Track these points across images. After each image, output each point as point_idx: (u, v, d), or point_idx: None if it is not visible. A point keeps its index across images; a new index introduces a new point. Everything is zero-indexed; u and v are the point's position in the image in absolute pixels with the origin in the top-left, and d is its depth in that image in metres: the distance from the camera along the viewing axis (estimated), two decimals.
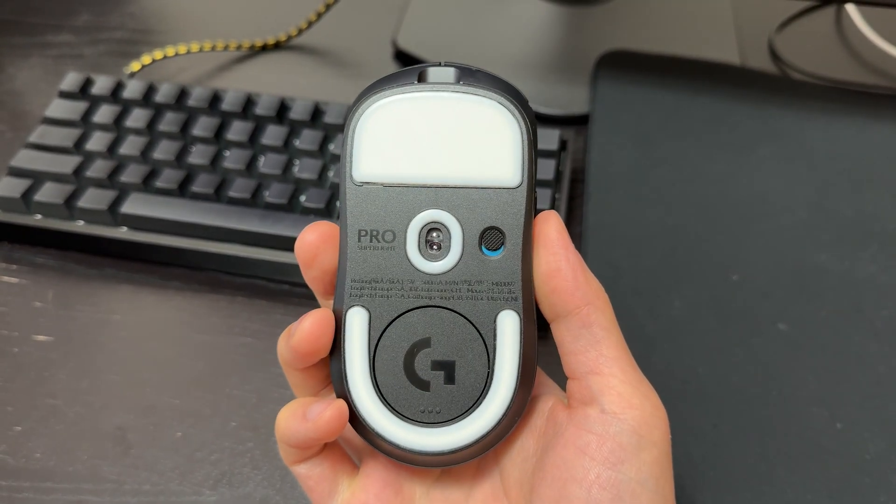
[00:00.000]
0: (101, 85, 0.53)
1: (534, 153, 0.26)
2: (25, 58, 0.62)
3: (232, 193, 0.47)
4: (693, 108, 0.56)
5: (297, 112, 0.51)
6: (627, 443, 0.24)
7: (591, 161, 0.52)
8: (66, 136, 0.50)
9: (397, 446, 0.25)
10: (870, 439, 0.39)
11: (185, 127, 0.51)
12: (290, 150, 0.50)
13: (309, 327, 0.25)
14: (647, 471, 0.24)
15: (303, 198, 0.47)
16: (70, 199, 0.48)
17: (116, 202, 0.47)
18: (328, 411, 0.25)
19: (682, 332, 0.44)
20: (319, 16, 0.62)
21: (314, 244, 0.26)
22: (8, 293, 0.47)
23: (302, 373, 0.28)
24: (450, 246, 0.25)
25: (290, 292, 0.47)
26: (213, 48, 0.60)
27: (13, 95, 0.59)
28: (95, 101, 0.53)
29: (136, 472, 0.39)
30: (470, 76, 0.26)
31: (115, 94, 0.53)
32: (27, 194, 0.48)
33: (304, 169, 0.48)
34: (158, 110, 0.52)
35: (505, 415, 0.26)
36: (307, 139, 0.50)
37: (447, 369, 0.26)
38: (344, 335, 0.26)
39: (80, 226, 0.47)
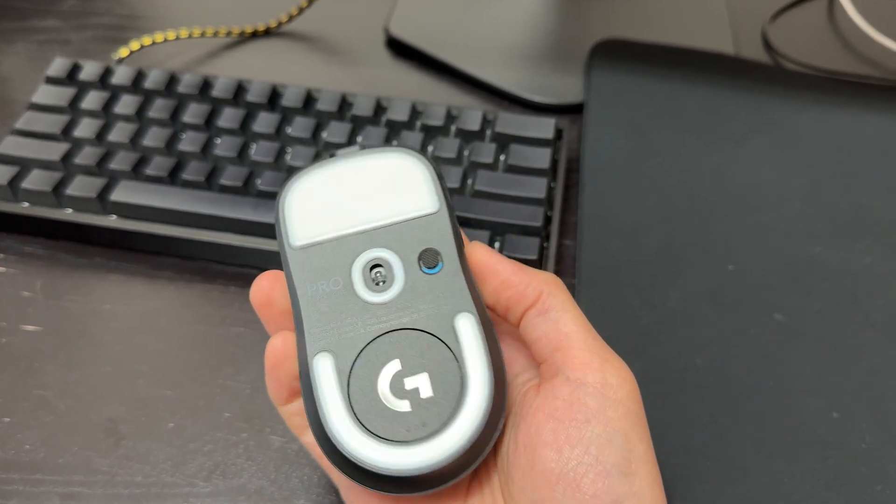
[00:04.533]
0: (89, 71, 0.52)
1: (443, 182, 0.29)
2: (10, 43, 0.61)
3: (223, 181, 0.46)
4: (687, 98, 0.56)
5: (289, 99, 0.51)
6: (592, 403, 0.25)
7: (586, 150, 0.52)
8: (53, 123, 0.49)
9: (400, 475, 0.25)
10: (866, 429, 0.39)
11: (175, 114, 0.50)
12: (283, 137, 0.49)
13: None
14: (615, 426, 0.25)
15: None
16: (58, 187, 0.47)
17: (105, 190, 0.46)
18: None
19: (679, 322, 0.44)
20: (310, 2, 0.61)
21: (269, 288, 0.29)
22: None
23: (287, 406, 0.30)
24: (393, 275, 0.27)
25: None
26: (203, 34, 0.59)
27: None
28: (83, 87, 0.52)
29: (128, 464, 0.39)
30: (371, 145, 0.30)
31: (103, 80, 0.52)
32: (14, 181, 0.47)
33: (296, 156, 0.48)
34: (148, 97, 0.51)
35: (491, 403, 0.26)
36: (300, 126, 0.49)
37: (421, 383, 0.26)
38: (315, 382, 0.26)
39: (68, 214, 0.47)
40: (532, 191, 0.46)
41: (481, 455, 0.26)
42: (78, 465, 0.39)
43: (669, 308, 0.45)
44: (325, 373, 0.26)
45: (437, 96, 0.58)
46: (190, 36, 0.59)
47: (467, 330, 0.26)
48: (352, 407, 0.26)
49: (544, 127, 0.49)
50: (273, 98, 0.51)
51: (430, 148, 0.48)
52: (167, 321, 0.44)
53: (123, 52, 0.57)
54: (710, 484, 0.38)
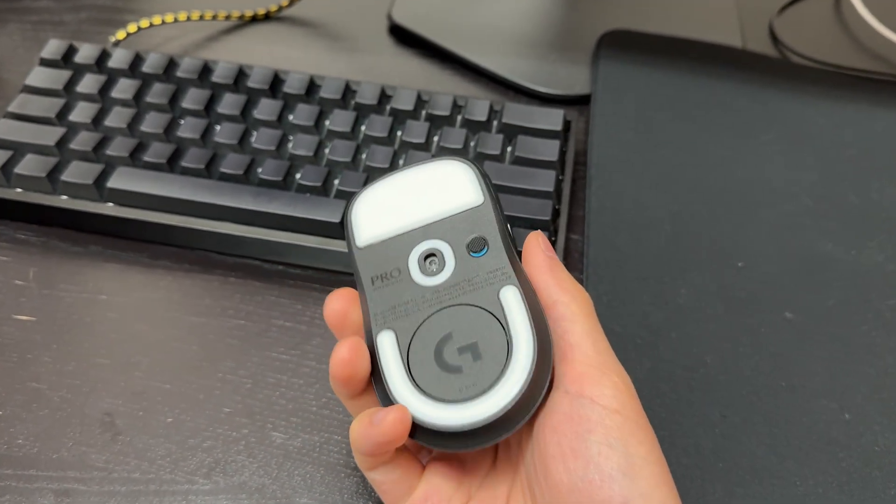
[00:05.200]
0: (85, 53, 0.51)
1: (487, 179, 0.33)
2: (3, 23, 0.59)
3: (224, 169, 0.45)
4: (695, 91, 0.55)
5: (292, 85, 0.50)
6: (590, 414, 0.27)
7: (594, 143, 0.51)
8: (48, 106, 0.48)
9: (453, 430, 0.27)
10: (879, 431, 0.39)
11: (174, 99, 0.49)
12: (285, 124, 0.48)
13: (346, 354, 0.29)
14: (614, 433, 0.26)
15: (298, 175, 0.46)
16: (53, 173, 0.45)
17: (102, 176, 0.45)
18: (390, 414, 0.28)
19: (689, 319, 0.43)
20: None
21: (342, 308, 0.31)
22: None
23: (357, 400, 0.31)
24: (445, 262, 0.31)
25: (285, 273, 0.45)
26: (202, 17, 0.58)
27: None
28: (79, 70, 0.50)
29: (126, 460, 0.37)
30: (427, 158, 0.36)
31: (99, 63, 0.51)
32: (7, 166, 0.46)
33: (298, 145, 0.46)
34: (146, 81, 0.50)
35: (535, 361, 0.28)
36: (302, 114, 0.48)
37: (472, 349, 0.29)
38: (379, 358, 0.29)
39: (63, 200, 0.45)
40: (540, 183, 0.45)
41: (529, 411, 0.28)
42: (73, 460, 0.37)
43: (678, 305, 0.44)
44: (387, 347, 0.29)
45: (442, 85, 0.57)
46: (188, 19, 0.57)
47: (511, 300, 0.29)
48: (411, 374, 0.29)
49: (553, 118, 0.48)
50: (275, 84, 0.50)
51: (471, 143, 0.47)
52: (165, 312, 0.43)
53: (120, 34, 0.56)
54: (721, 485, 0.37)
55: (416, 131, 0.47)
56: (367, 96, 0.49)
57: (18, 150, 0.46)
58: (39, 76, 0.50)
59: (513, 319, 0.29)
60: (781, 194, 0.49)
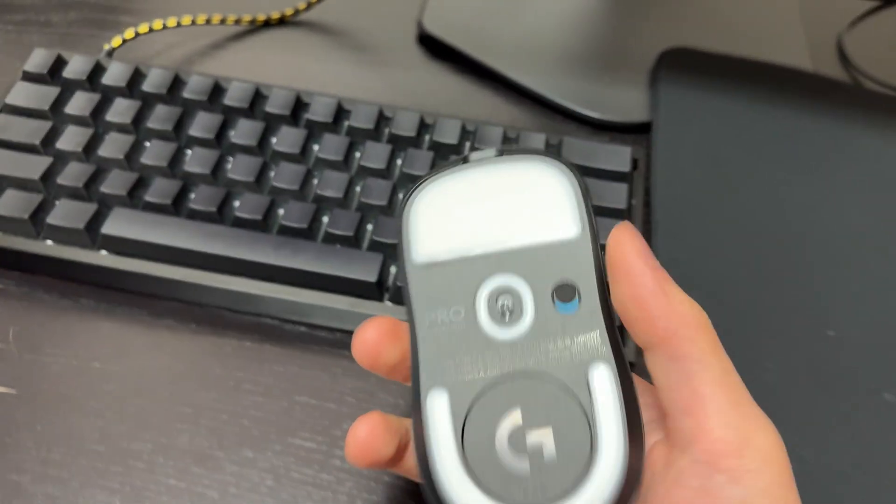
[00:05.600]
0: (76, 66, 0.44)
1: (588, 200, 0.25)
2: None
3: (239, 213, 0.39)
4: (765, 122, 0.49)
5: (317, 112, 0.43)
6: (729, 495, 0.21)
7: (657, 185, 0.45)
8: (31, 131, 0.41)
9: None
10: None
11: (180, 125, 0.42)
12: (309, 158, 0.41)
13: (363, 435, 0.25)
14: None
15: (325, 218, 0.39)
16: (37, 213, 0.39)
17: (95, 219, 0.38)
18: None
19: (777, 400, 0.37)
20: None
21: (375, 342, 0.26)
22: None
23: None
24: (522, 309, 0.24)
25: (310, 336, 0.39)
26: (208, 21, 0.51)
27: None
28: (68, 86, 0.43)
29: None
30: (510, 150, 0.26)
31: (92, 77, 0.44)
32: None
33: (326, 184, 0.40)
34: (146, 101, 0.43)
35: (624, 476, 0.22)
36: (330, 146, 0.41)
37: (545, 441, 0.23)
38: (426, 423, 0.23)
39: (49, 247, 0.38)
40: (606, 235, 0.39)
41: None
42: None
43: (765, 382, 0.38)
44: (439, 412, 0.23)
45: (478, 106, 0.50)
46: (193, 23, 0.50)
47: (603, 384, 0.23)
48: (465, 455, 0.23)
49: (619, 157, 0.42)
50: (297, 109, 0.43)
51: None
52: (169, 384, 0.37)
53: (116, 41, 0.49)
54: None
55: None
56: (405, 126, 0.42)
57: None
58: (22, 93, 0.43)
59: (602, 413, 0.23)
60: (870, 247, 0.43)
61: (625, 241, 0.24)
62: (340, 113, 0.43)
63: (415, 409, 0.24)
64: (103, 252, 0.38)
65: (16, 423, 0.35)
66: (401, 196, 0.40)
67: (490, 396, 0.23)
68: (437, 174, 0.26)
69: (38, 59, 0.44)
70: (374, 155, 0.41)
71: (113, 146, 0.41)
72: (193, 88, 0.43)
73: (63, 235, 0.38)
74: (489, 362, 0.24)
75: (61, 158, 0.41)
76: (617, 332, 0.24)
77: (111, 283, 0.39)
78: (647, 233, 0.43)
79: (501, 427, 0.23)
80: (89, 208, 0.38)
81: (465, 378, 0.24)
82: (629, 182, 0.42)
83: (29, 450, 0.34)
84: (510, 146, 0.26)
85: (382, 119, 0.43)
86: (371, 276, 0.37)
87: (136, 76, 0.44)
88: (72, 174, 0.40)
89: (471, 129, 0.43)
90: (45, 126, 0.41)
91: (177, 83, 0.44)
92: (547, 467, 0.22)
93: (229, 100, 0.43)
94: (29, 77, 0.44)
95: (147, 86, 0.43)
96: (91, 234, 0.38)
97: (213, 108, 0.43)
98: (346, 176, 0.40)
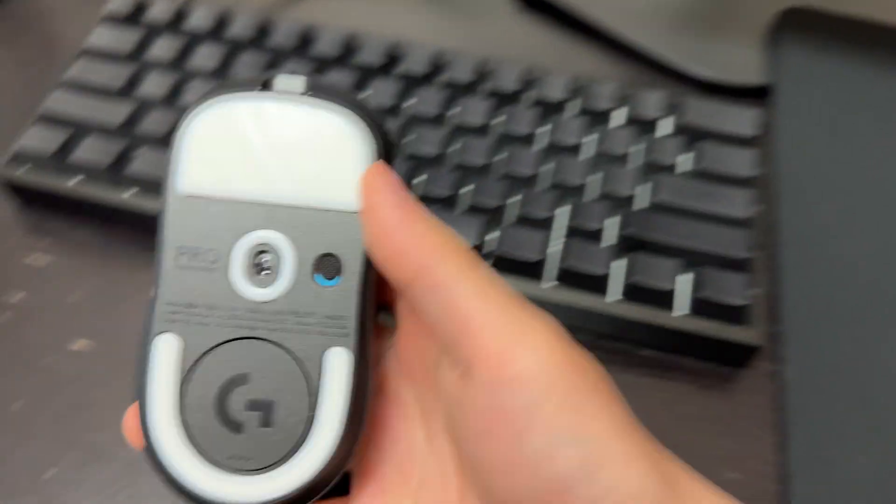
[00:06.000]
0: (159, 9, 0.42)
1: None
2: None
3: None
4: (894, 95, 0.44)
5: (413, 61, 0.40)
6: (518, 404, 0.20)
7: (780, 152, 0.41)
8: (114, 75, 0.39)
9: (197, 496, 0.22)
10: None
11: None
12: (402, 112, 0.39)
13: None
14: (557, 423, 0.19)
15: (423, 178, 0.36)
16: (119, 161, 0.36)
17: None
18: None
19: None
20: None
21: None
22: (36, 279, 0.36)
23: None
24: (280, 271, 0.23)
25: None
26: None
27: (42, 16, 0.47)
28: (151, 30, 0.41)
29: None
30: (320, 89, 0.24)
31: (176, 22, 0.41)
32: (63, 150, 0.37)
33: (422, 141, 0.37)
34: (233, 48, 0.40)
35: (325, 465, 0.22)
36: (426, 101, 0.38)
37: (264, 410, 0.23)
38: (148, 364, 0.22)
39: (131, 196, 0.36)
40: (733, 207, 0.35)
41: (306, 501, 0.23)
42: None
43: (890, 368, 0.34)
44: (165, 358, 0.22)
45: (574, 62, 0.46)
46: None
47: (337, 370, 0.23)
48: (182, 407, 0.22)
49: (744, 120, 0.38)
50: (390, 60, 0.40)
51: (635, 148, 0.37)
52: None
53: None
54: None
55: (566, 130, 0.38)
56: (506, 82, 0.39)
57: (77, 129, 0.38)
58: (102, 37, 0.41)
59: (327, 394, 0.22)
60: None
61: (372, 179, 0.22)
62: (437, 66, 0.40)
63: (143, 346, 0.23)
64: None
65: (95, 380, 0.33)
66: (495, 160, 0.37)
67: (222, 353, 0.23)
68: (226, 93, 0.23)
69: (119, 2, 0.42)
70: (471, 112, 0.38)
71: (198, 94, 0.38)
72: (282, 36, 0.41)
73: (145, 185, 0.36)
74: (231, 318, 0.23)
75: (144, 105, 0.38)
76: (369, 320, 0.24)
77: None
78: (769, 204, 0.39)
79: (226, 386, 0.22)
80: None
81: (203, 329, 0.23)
82: (757, 149, 0.38)
83: (108, 409, 0.32)
84: (320, 82, 0.24)
85: (482, 73, 0.40)
86: (472, 241, 0.34)
87: (223, 21, 0.41)
88: (155, 121, 0.37)
89: (578, 86, 0.40)
90: (127, 71, 0.39)
91: (264, 30, 0.41)
92: (258, 438, 0.22)
93: (320, 48, 0.40)
94: (109, 20, 0.42)
95: (234, 31, 0.41)
96: None
97: (303, 55, 0.40)
98: (440, 132, 0.37)
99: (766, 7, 0.48)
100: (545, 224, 0.35)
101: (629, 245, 0.35)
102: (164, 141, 0.37)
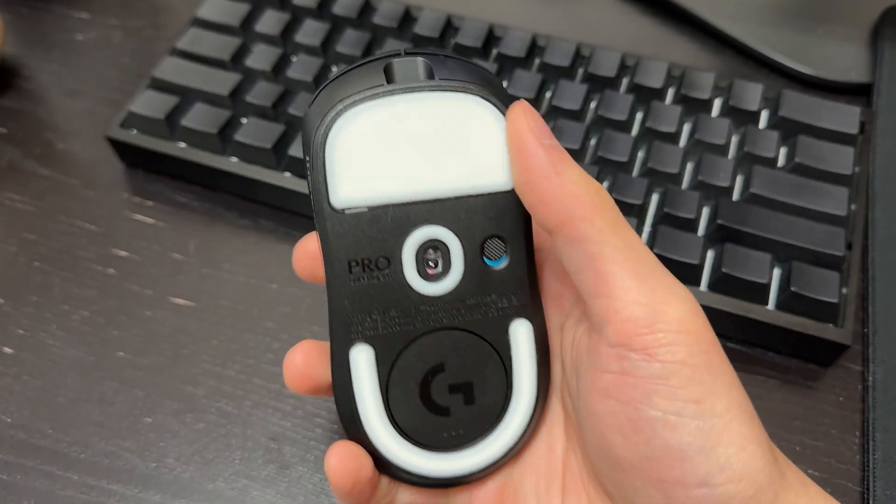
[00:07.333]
0: None
1: None
2: None
3: None
4: None
5: (509, 46, 0.40)
6: (646, 373, 0.20)
7: (878, 152, 0.40)
8: (222, 46, 0.41)
9: (427, 478, 0.24)
10: None
11: (368, 52, 0.40)
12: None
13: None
14: (681, 396, 0.20)
15: None
16: (225, 129, 0.38)
17: (282, 140, 0.38)
18: (330, 459, 0.23)
19: None
20: None
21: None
22: (141, 237, 0.38)
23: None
24: (450, 262, 0.23)
25: None
26: None
27: None
28: (259, 3, 0.43)
29: (292, 502, 0.30)
30: (441, 67, 0.23)
31: None
32: (172, 115, 0.39)
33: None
34: (336, 25, 0.41)
35: (528, 426, 0.25)
36: (521, 82, 0.39)
37: (465, 391, 0.24)
38: (353, 376, 0.24)
39: (234, 163, 0.38)
40: (829, 204, 0.35)
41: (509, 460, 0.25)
42: (233, 494, 0.31)
43: None
44: (363, 367, 0.23)
45: (670, 50, 0.46)
46: None
47: (522, 341, 0.24)
48: (389, 407, 0.24)
49: (845, 117, 0.37)
50: (488, 42, 0.41)
51: (734, 138, 0.37)
52: None
53: None
54: None
55: (662, 117, 0.38)
56: (603, 66, 0.39)
57: (186, 96, 0.39)
58: (213, 7, 0.42)
59: (518, 364, 0.24)
60: None
61: (519, 119, 0.22)
62: (534, 49, 0.41)
63: (337, 363, 0.24)
64: (287, 174, 0.37)
65: (193, 335, 0.35)
66: (592, 143, 0.37)
67: (414, 350, 0.24)
68: (357, 98, 0.22)
69: None
70: (567, 96, 0.38)
71: (301, 68, 0.40)
72: (384, 15, 0.41)
73: (249, 153, 0.37)
74: (415, 317, 0.24)
75: (250, 76, 0.40)
76: (538, 287, 0.25)
77: (292, 207, 0.38)
78: (865, 204, 0.39)
79: (425, 378, 0.24)
80: (276, 129, 0.38)
81: (390, 333, 0.23)
82: (857, 147, 0.37)
83: (204, 363, 0.34)
84: (437, 58, 0.23)
85: (579, 57, 0.40)
86: None
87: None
88: (260, 93, 0.39)
89: (676, 74, 0.40)
90: (234, 42, 0.41)
91: (367, 8, 0.42)
92: (465, 415, 0.24)
93: (419, 28, 0.41)
94: None
95: (337, 9, 0.42)
96: (277, 155, 0.37)
97: (403, 35, 0.41)
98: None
99: (870, 4, 0.47)
100: (638, 211, 0.35)
101: (721, 236, 0.34)
102: (268, 112, 0.38)
